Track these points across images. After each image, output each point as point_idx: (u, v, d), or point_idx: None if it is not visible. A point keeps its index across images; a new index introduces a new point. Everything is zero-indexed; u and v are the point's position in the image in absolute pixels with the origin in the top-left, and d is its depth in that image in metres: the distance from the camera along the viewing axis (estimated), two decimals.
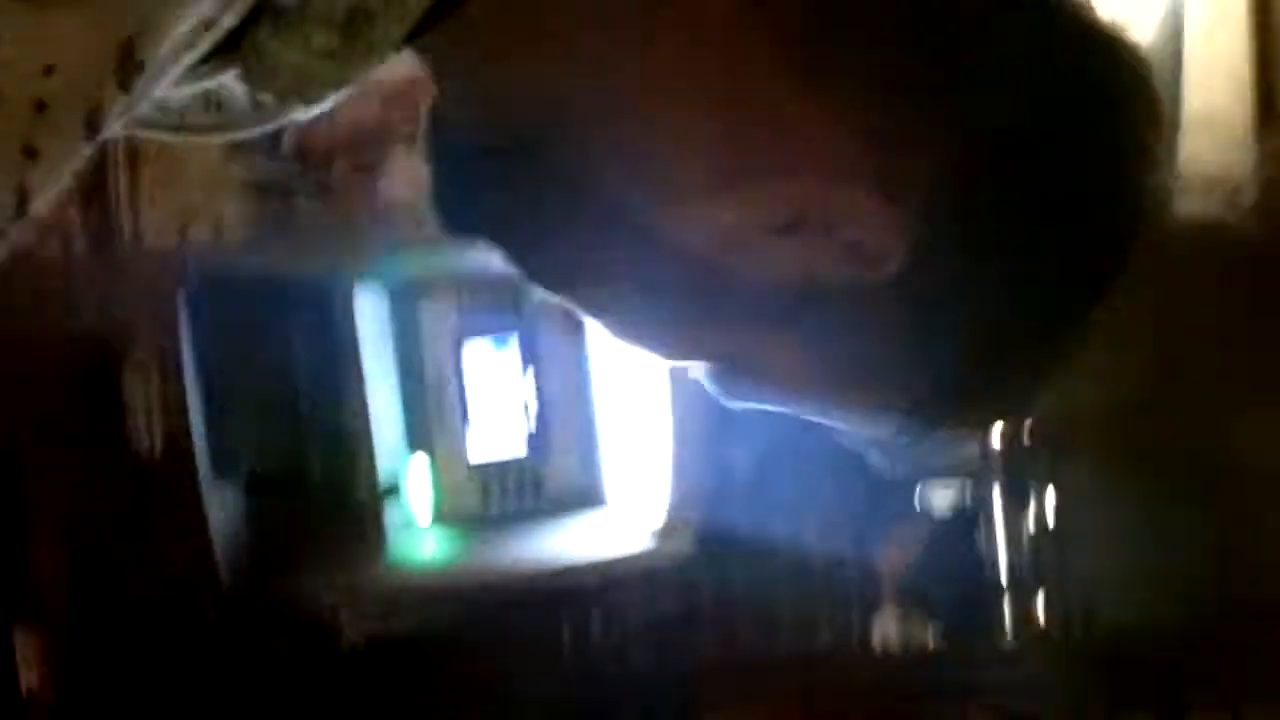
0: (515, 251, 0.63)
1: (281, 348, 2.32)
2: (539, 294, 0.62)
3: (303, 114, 0.59)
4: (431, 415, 2.62)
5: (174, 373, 2.12)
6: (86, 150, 0.47)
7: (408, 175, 2.10)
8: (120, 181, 1.99)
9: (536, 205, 0.60)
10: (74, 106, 0.45)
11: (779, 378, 0.63)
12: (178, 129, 0.57)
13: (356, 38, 0.54)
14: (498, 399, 2.69)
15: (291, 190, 2.09)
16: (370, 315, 2.41)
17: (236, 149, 2.01)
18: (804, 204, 0.57)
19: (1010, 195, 0.57)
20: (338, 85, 0.58)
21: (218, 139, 0.61)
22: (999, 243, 0.58)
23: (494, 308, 2.55)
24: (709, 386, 0.65)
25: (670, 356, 0.66)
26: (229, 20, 0.49)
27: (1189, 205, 1.87)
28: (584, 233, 0.60)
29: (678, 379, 2.29)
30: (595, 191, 0.59)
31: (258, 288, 2.18)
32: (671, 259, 0.59)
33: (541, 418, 2.70)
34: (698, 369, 0.65)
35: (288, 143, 2.04)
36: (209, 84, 0.54)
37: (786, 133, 0.57)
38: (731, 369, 0.64)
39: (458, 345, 2.57)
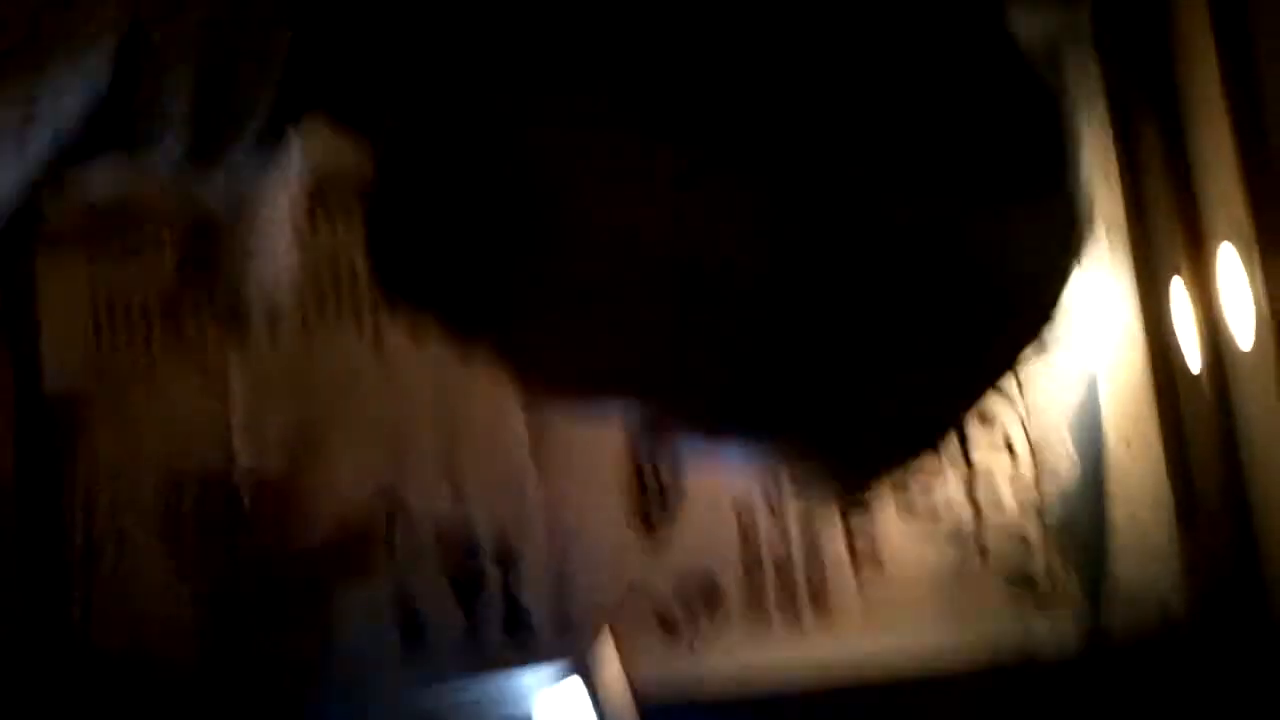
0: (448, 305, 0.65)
1: None
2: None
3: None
4: None
5: None
6: None
7: (363, 608, 2.11)
8: (75, 591, 2.01)
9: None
10: None
11: None
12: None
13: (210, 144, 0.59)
14: None
15: (246, 615, 2.10)
16: None
17: (194, 564, 2.04)
18: None
19: None
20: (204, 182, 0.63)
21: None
22: None
23: None
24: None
25: None
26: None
27: (1119, 618, 1.88)
28: None
29: None
30: None
31: (205, 714, 2.16)
32: None
33: None
34: None
35: (243, 566, 2.07)
36: None
37: None
38: None
39: None
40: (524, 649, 2.08)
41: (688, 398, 0.63)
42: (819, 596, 1.99)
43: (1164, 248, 1.87)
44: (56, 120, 0.57)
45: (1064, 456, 1.95)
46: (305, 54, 0.61)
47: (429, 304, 0.66)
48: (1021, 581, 1.95)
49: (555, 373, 0.66)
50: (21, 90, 0.55)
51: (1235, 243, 1.65)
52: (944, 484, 1.97)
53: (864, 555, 1.99)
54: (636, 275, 0.60)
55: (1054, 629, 1.92)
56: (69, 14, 0.55)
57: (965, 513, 1.97)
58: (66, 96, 0.57)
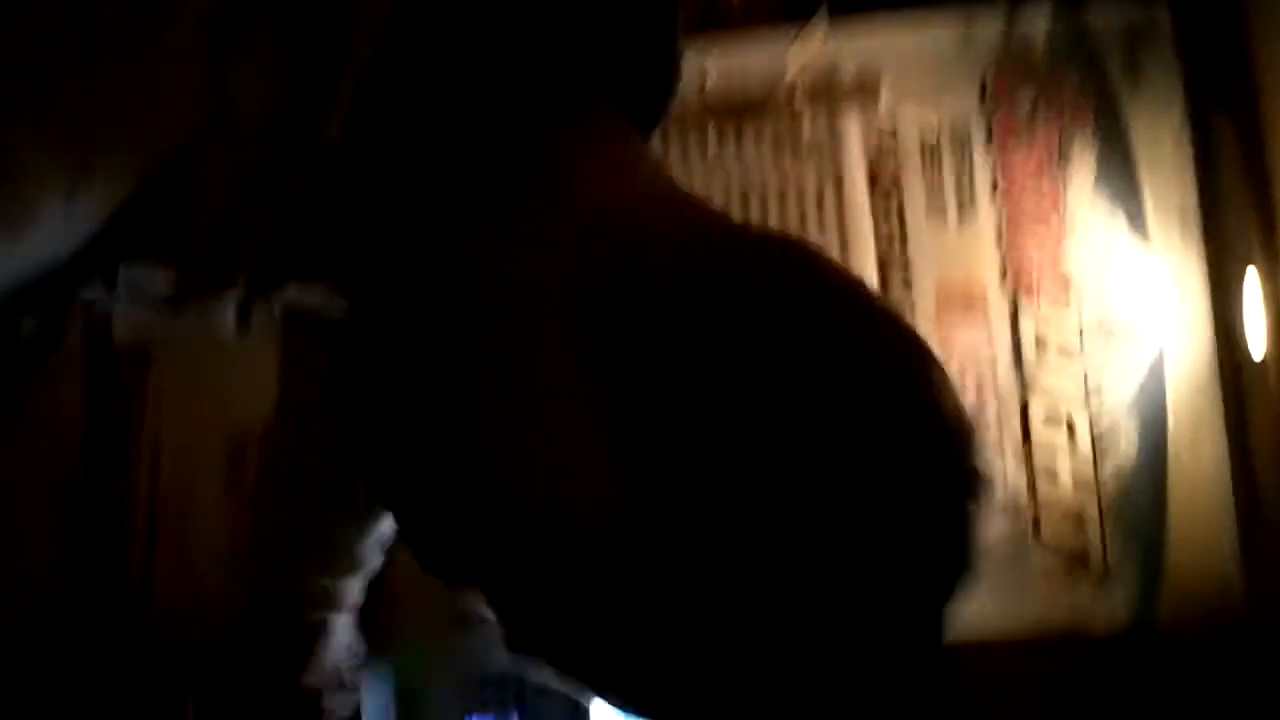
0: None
1: None
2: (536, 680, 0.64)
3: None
4: None
5: None
6: None
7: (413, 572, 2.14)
8: (136, 550, 2.03)
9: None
10: None
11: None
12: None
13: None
14: None
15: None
16: (374, 704, 2.40)
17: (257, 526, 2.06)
18: None
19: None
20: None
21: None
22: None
23: (498, 699, 2.55)
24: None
25: None
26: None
27: (1172, 602, 1.88)
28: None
29: None
30: None
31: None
32: None
33: None
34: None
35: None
36: None
37: None
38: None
39: None
40: None
41: None
42: None
43: (1237, 239, 1.85)
44: (108, 187, 0.58)
45: (1125, 437, 1.94)
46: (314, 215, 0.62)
47: (372, 488, 0.68)
48: (1074, 558, 1.95)
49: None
50: (82, 143, 0.57)
51: None
52: (1000, 456, 1.96)
53: None
54: None
55: (1104, 608, 1.92)
56: (150, 101, 0.58)
57: (1020, 486, 1.96)
58: (121, 170, 0.58)
